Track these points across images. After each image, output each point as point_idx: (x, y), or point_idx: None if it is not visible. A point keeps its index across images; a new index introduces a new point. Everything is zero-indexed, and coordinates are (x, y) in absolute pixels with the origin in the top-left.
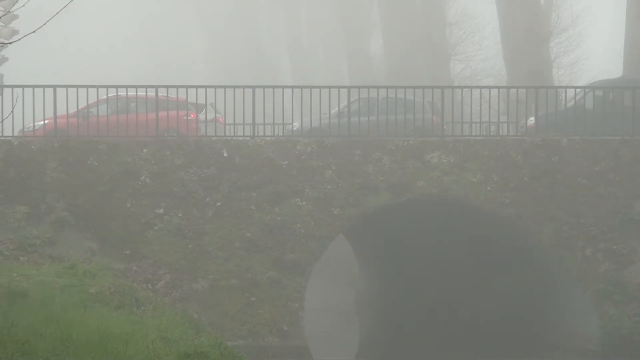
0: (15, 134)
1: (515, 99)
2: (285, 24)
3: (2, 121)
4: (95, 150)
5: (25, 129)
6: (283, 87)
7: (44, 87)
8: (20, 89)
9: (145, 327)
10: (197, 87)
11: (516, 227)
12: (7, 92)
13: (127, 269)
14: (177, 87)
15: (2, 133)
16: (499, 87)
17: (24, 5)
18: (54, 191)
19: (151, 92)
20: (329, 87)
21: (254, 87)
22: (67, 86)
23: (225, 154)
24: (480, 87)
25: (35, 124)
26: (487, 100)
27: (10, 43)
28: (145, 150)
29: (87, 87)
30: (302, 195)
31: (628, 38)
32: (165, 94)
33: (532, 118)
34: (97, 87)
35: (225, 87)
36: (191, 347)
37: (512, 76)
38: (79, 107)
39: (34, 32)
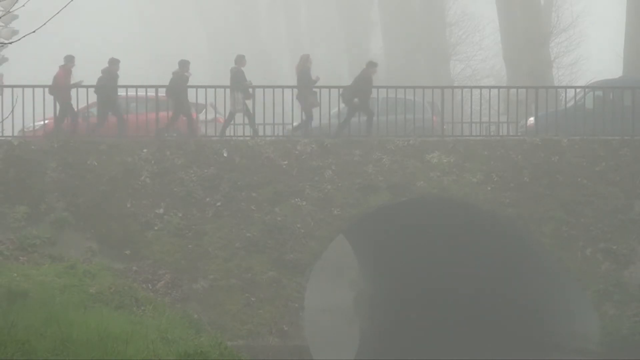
0: (15, 134)
1: (515, 99)
2: (285, 24)
3: (2, 121)
4: (95, 150)
5: (25, 129)
6: (283, 87)
7: (44, 87)
8: (20, 89)
9: (145, 327)
10: (197, 87)
11: (516, 227)
12: (7, 92)
13: (127, 269)
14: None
15: (2, 133)
16: (499, 87)
17: (24, 5)
18: (54, 191)
19: (151, 92)
20: (329, 87)
21: (254, 87)
22: (67, 86)
23: (225, 154)
24: (480, 87)
25: (35, 124)
26: (487, 100)
27: (10, 43)
28: (145, 150)
29: (87, 87)
30: (302, 195)
31: (628, 38)
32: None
33: (532, 118)
34: (97, 87)
35: (225, 87)
36: (191, 347)
37: (512, 76)
38: (79, 107)
39: (34, 32)
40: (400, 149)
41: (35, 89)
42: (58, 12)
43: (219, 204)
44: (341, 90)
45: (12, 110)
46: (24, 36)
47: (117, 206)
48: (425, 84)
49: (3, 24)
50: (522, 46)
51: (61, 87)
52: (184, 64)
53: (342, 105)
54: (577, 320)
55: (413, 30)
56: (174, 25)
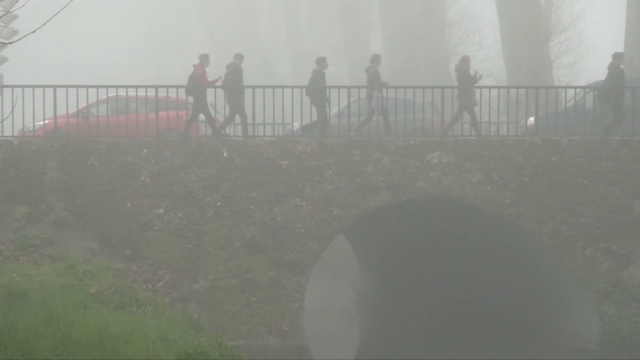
0: (15, 134)
1: (515, 99)
2: (285, 24)
3: (2, 121)
4: (95, 150)
5: (25, 129)
6: (283, 87)
7: (44, 87)
8: (20, 89)
9: (145, 327)
10: (332, 87)
11: (516, 227)
12: (7, 92)
13: (127, 269)
14: (177, 87)
15: (2, 133)
16: (499, 87)
17: (24, 5)
18: (54, 191)
19: (151, 92)
20: (329, 87)
21: (254, 87)
22: (67, 86)
23: (225, 154)
24: (481, 87)
25: (35, 124)
26: (487, 100)
27: (10, 43)
28: (145, 150)
29: (87, 87)
30: (302, 195)
31: (628, 38)
32: (165, 94)
33: (532, 118)
34: (97, 87)
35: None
36: (191, 347)
37: (512, 76)
38: (79, 107)
39: (34, 32)
40: (400, 149)
41: (35, 89)
42: (58, 12)
43: (219, 204)
44: (341, 90)
45: (12, 110)
46: (24, 36)
47: (117, 206)
48: (425, 84)
49: (3, 24)
50: (522, 46)
51: (202, 86)
52: (321, 61)
53: (342, 105)
54: (577, 320)
55: (413, 30)
56: (174, 25)
